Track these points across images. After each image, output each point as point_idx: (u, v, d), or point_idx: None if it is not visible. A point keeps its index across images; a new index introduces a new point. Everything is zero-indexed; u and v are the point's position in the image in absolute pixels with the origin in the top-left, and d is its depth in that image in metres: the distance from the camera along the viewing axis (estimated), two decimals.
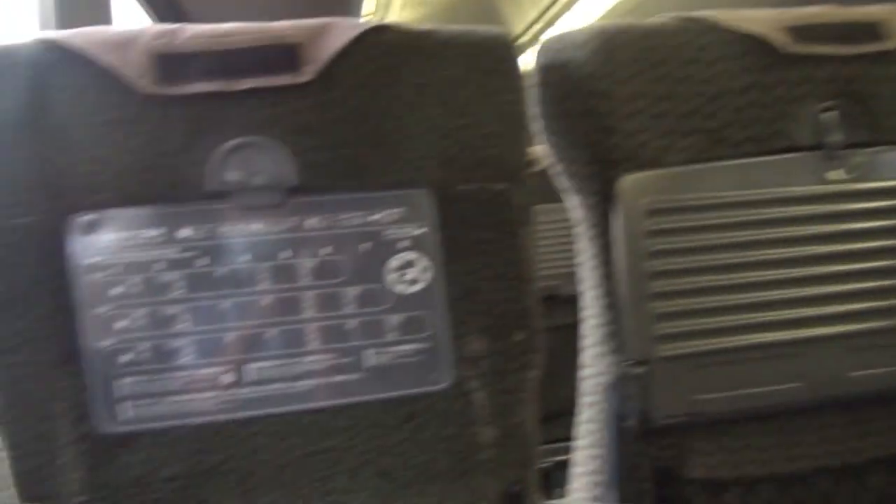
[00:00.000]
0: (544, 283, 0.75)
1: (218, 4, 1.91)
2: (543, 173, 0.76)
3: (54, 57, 0.52)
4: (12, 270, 0.52)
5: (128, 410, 0.54)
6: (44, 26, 1.28)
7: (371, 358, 0.57)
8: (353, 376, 0.57)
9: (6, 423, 0.54)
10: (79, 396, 0.53)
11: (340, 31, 0.55)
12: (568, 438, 0.74)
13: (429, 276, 0.58)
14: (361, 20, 0.58)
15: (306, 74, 0.54)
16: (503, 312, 0.60)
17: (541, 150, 0.74)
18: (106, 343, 0.53)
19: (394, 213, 0.57)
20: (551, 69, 0.65)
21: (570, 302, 0.80)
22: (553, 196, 0.76)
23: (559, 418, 0.83)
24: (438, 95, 0.57)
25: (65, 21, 1.24)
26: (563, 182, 0.69)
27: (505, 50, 0.60)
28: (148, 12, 1.89)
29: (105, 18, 1.40)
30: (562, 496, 0.79)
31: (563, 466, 0.79)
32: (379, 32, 0.57)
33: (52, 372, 0.53)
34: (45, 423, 0.53)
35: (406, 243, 0.57)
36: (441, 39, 0.58)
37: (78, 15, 1.26)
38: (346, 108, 0.56)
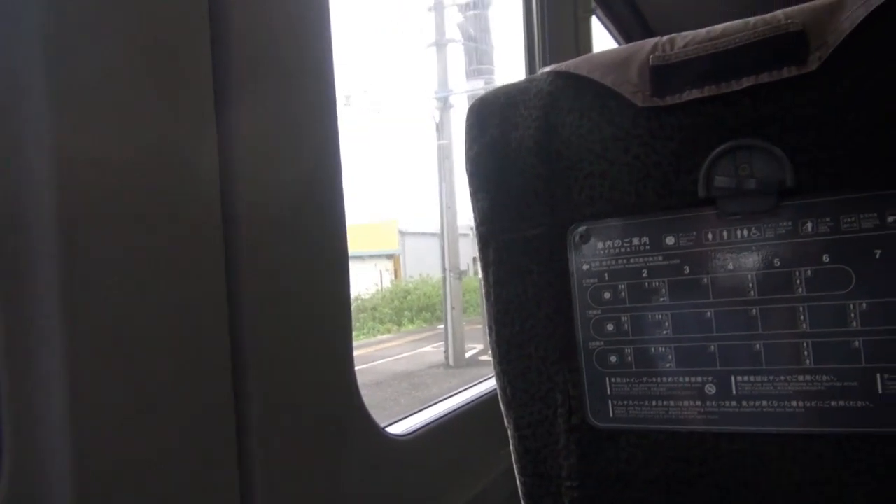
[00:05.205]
0: None
1: (680, 10, 1.90)
2: None
3: (563, 84, 0.59)
4: (526, 276, 0.60)
5: (616, 408, 0.57)
6: (529, 62, 1.47)
7: (886, 385, 0.48)
8: (860, 403, 0.49)
9: (515, 406, 0.63)
10: (574, 390, 0.59)
11: (850, 10, 0.48)
12: None
13: None
14: None
15: (812, 63, 0.49)
16: None
17: None
18: (597, 344, 0.58)
19: None
20: None
21: None
22: None
23: None
24: None
25: (550, 54, 1.39)
26: None
27: None
28: (615, 36, 2.00)
29: (587, 46, 1.52)
30: None
31: None
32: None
33: (553, 367, 0.60)
34: (545, 410, 0.61)
35: None
36: None
37: (562, 46, 1.40)
38: (854, 96, 0.49)
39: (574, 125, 0.58)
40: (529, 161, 0.60)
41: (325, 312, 0.60)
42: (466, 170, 0.64)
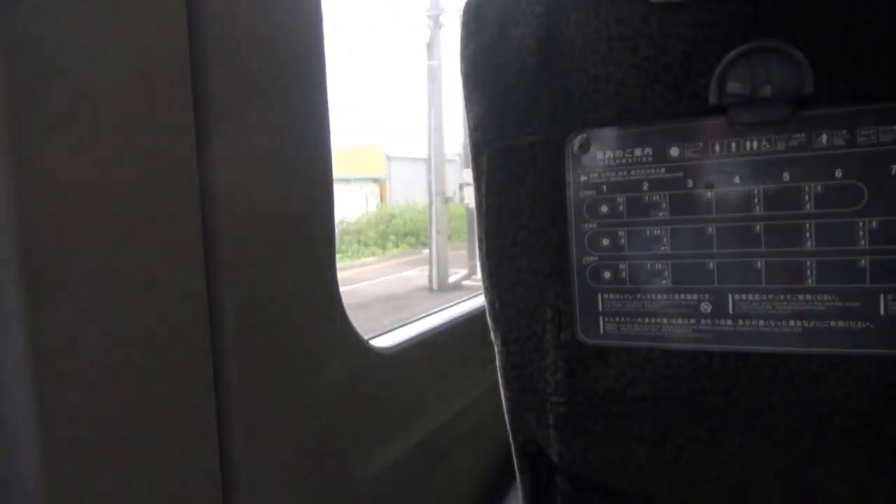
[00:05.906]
0: None
1: None
2: None
3: None
4: (520, 184, 0.57)
5: (607, 325, 0.56)
6: None
7: (889, 306, 0.47)
8: (861, 324, 0.48)
9: (503, 321, 0.61)
10: (564, 305, 0.57)
11: None
12: None
13: None
14: None
15: None
16: None
17: None
18: (591, 259, 0.55)
19: None
20: None
21: None
22: None
23: None
24: None
25: None
26: None
27: None
28: None
29: None
30: None
31: None
32: None
33: (544, 280, 0.58)
34: (534, 325, 0.59)
35: None
36: None
37: None
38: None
39: (580, 23, 0.53)
40: (530, 62, 0.56)
41: (309, 226, 0.57)
42: (461, 70, 0.60)
